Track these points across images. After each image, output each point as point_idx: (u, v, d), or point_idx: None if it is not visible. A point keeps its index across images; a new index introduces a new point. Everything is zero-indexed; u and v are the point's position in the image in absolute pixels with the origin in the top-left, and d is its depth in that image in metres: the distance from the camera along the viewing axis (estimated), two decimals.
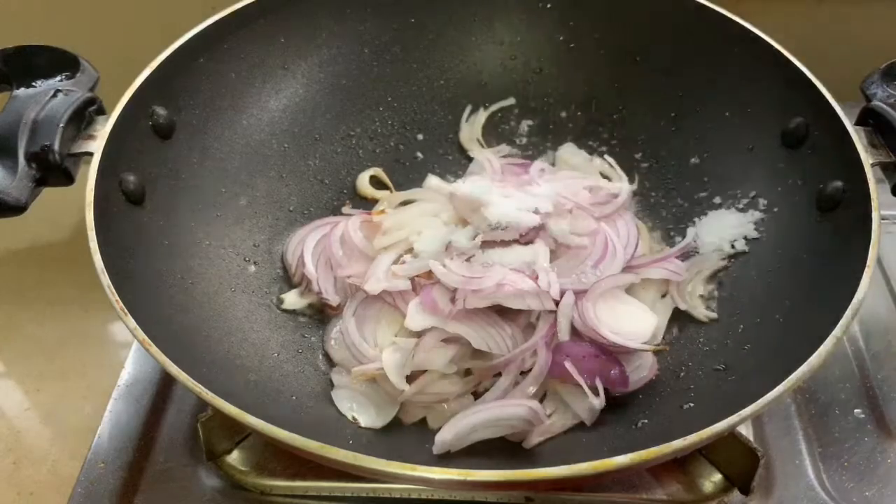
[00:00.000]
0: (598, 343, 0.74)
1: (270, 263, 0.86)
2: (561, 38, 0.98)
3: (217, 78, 0.86)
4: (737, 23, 0.85)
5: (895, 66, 0.79)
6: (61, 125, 0.71)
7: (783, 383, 0.58)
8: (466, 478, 0.54)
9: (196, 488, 0.75)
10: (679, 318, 0.81)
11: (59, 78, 0.77)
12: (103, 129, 0.73)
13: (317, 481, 0.74)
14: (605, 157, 0.95)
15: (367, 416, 0.73)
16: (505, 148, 0.99)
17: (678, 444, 0.56)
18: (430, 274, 0.77)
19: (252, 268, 0.84)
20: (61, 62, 0.78)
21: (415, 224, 0.83)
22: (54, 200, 0.74)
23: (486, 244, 0.79)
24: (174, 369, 0.59)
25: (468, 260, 0.78)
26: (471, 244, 0.78)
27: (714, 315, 0.80)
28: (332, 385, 0.76)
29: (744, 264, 0.82)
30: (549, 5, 0.97)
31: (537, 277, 0.75)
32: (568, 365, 0.72)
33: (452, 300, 0.74)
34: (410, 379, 0.73)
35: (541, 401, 0.73)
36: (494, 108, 1.00)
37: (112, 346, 0.96)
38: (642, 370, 0.75)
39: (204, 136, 0.85)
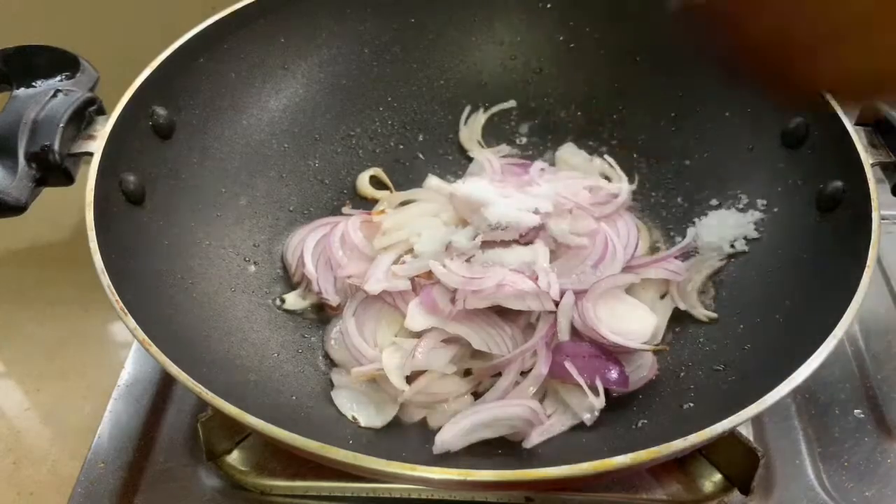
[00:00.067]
0: (598, 343, 0.74)
1: (270, 263, 0.86)
2: (561, 38, 0.98)
3: (217, 78, 0.86)
4: None
5: None
6: (61, 125, 0.71)
7: (783, 383, 0.58)
8: (466, 478, 0.54)
9: (196, 488, 0.75)
10: (679, 318, 0.81)
11: (59, 78, 0.77)
12: (103, 129, 0.73)
13: (317, 481, 0.74)
14: (605, 157, 0.95)
15: (367, 416, 0.73)
16: (505, 148, 0.99)
17: (678, 444, 0.56)
18: (430, 274, 0.77)
19: (252, 268, 0.84)
20: (61, 62, 0.78)
21: (415, 224, 0.84)
22: (54, 200, 0.74)
23: (486, 244, 0.79)
24: (174, 369, 0.59)
25: (468, 260, 0.78)
26: (471, 244, 0.78)
27: (714, 315, 0.80)
28: (332, 385, 0.76)
29: (744, 264, 0.82)
30: (549, 5, 0.97)
31: (537, 278, 0.75)
32: (568, 365, 0.72)
33: (452, 300, 0.74)
34: (410, 379, 0.73)
35: (541, 401, 0.73)
36: (494, 109, 1.00)
37: (112, 346, 0.96)
38: (642, 370, 0.75)
39: (204, 136, 0.85)
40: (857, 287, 0.63)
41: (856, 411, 0.80)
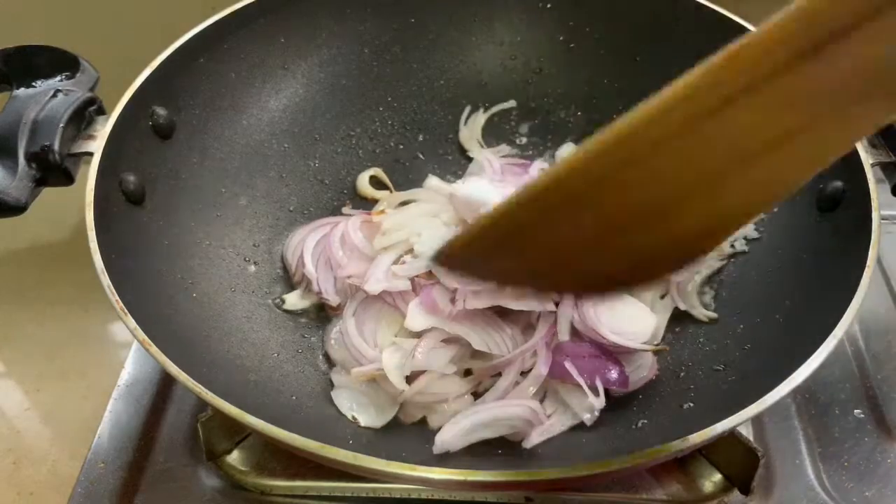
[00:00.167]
0: (598, 343, 0.74)
1: (270, 263, 0.86)
2: (561, 38, 0.98)
3: (217, 78, 0.86)
4: (737, 23, 0.85)
5: None
6: (61, 125, 0.71)
7: (783, 383, 0.58)
8: (466, 478, 0.54)
9: (196, 488, 0.75)
10: (679, 318, 0.81)
11: (59, 78, 0.77)
12: (103, 129, 0.73)
13: (317, 481, 0.74)
14: None
15: (367, 416, 0.73)
16: (505, 148, 0.99)
17: (678, 444, 0.56)
18: (430, 274, 0.77)
19: (252, 268, 0.84)
20: (61, 62, 0.78)
21: (415, 224, 0.83)
22: (54, 200, 0.74)
23: None
24: (174, 369, 0.59)
25: None
26: None
27: (714, 315, 0.80)
28: (331, 385, 0.76)
29: (744, 264, 0.82)
30: (549, 5, 0.97)
31: None
32: (568, 365, 0.72)
33: (452, 301, 0.74)
34: (410, 379, 0.73)
35: (541, 401, 0.73)
36: (495, 109, 1.00)
37: (112, 346, 0.96)
38: (642, 370, 0.75)
39: (204, 136, 0.85)
40: (857, 287, 0.63)
41: (856, 411, 0.80)
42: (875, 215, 0.68)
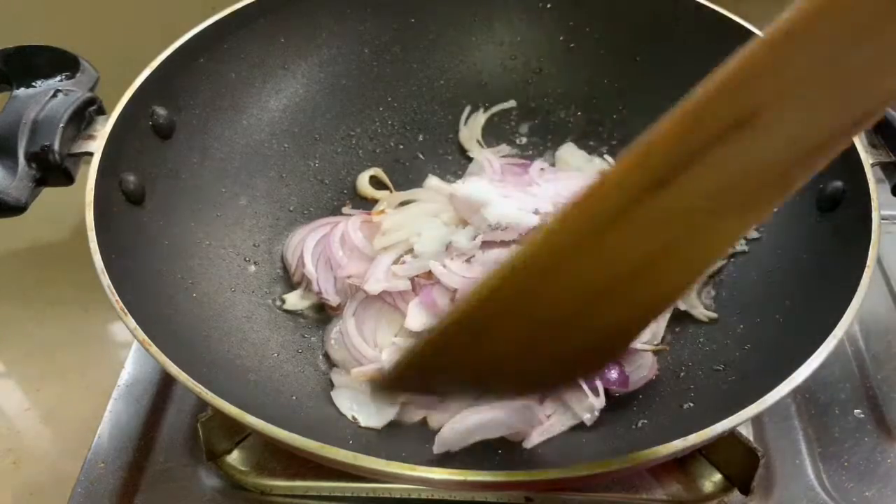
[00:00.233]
0: None
1: (270, 263, 0.86)
2: (561, 38, 0.98)
3: (217, 78, 0.86)
4: (737, 23, 0.85)
5: None
6: (61, 125, 0.71)
7: (783, 383, 0.58)
8: (466, 478, 0.54)
9: (196, 488, 0.75)
10: (679, 318, 0.81)
11: (59, 78, 0.77)
12: (103, 129, 0.73)
13: (317, 481, 0.74)
14: (605, 156, 0.95)
15: (367, 417, 0.73)
16: (505, 148, 0.99)
17: (678, 444, 0.56)
18: (430, 274, 0.77)
19: (252, 268, 0.84)
20: (61, 62, 0.78)
21: (414, 224, 0.83)
22: (54, 200, 0.74)
23: (487, 244, 0.79)
24: (174, 369, 0.59)
25: (468, 261, 0.77)
26: (471, 244, 0.78)
27: (714, 315, 0.80)
28: (331, 385, 0.76)
29: (744, 264, 0.82)
30: (549, 5, 0.97)
31: None
32: None
33: (452, 300, 0.74)
34: None
35: (541, 401, 0.73)
36: (495, 109, 1.00)
37: (112, 346, 0.96)
38: (642, 370, 0.75)
39: (204, 136, 0.85)
40: (857, 287, 0.63)
41: (856, 411, 0.80)
42: (875, 215, 0.68)
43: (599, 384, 0.72)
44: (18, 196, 0.69)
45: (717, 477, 0.74)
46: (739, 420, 0.56)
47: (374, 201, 0.94)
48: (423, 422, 0.74)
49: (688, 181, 0.37)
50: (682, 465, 0.75)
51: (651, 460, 0.56)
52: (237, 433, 0.76)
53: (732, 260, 0.83)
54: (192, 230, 0.81)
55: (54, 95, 0.74)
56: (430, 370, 0.50)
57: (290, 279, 0.85)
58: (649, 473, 0.74)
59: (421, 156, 0.98)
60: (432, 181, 0.92)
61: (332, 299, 0.81)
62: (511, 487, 0.70)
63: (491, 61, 1.00)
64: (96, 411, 0.81)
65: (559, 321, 0.45)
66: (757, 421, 0.78)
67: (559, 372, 0.53)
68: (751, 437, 0.74)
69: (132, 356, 0.85)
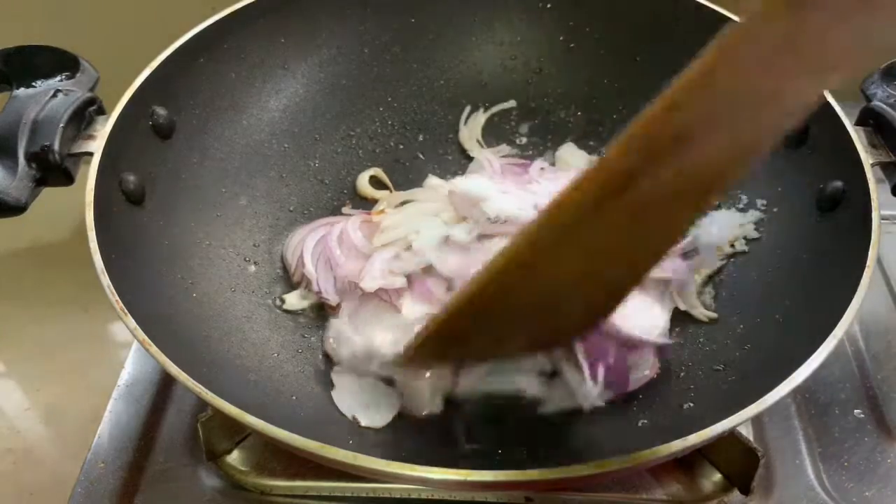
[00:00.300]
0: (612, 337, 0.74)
1: (270, 263, 0.86)
2: (561, 38, 0.98)
3: (217, 78, 0.86)
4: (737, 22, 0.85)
5: (895, 66, 0.79)
6: (61, 125, 0.71)
7: (783, 383, 0.58)
8: (466, 478, 0.54)
9: (196, 488, 0.75)
10: (679, 318, 0.81)
11: (59, 78, 0.77)
12: (103, 129, 0.73)
13: (317, 481, 0.74)
14: None
15: (367, 416, 0.73)
16: (505, 148, 0.99)
17: (678, 444, 0.56)
18: (427, 269, 0.77)
19: (252, 268, 0.84)
20: (61, 62, 0.78)
21: (413, 222, 0.83)
22: (54, 200, 0.74)
23: (486, 237, 0.79)
24: (174, 369, 0.59)
25: (465, 252, 0.77)
26: (469, 237, 0.78)
27: (714, 315, 0.80)
28: (331, 385, 0.76)
29: (744, 264, 0.82)
30: (549, 5, 0.97)
31: None
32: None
33: (448, 290, 0.74)
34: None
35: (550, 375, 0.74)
36: (495, 109, 1.00)
37: (112, 346, 0.96)
38: (644, 368, 0.75)
39: (204, 136, 0.85)
40: (857, 287, 0.63)
41: (856, 411, 0.80)
42: (875, 215, 0.68)
43: (600, 371, 0.71)
44: (18, 196, 0.69)
45: (717, 477, 0.74)
46: (739, 420, 0.56)
47: (374, 201, 0.94)
48: (424, 422, 0.74)
49: (644, 183, 0.44)
50: (682, 465, 0.75)
51: (651, 460, 0.56)
52: (237, 433, 0.76)
53: (732, 260, 0.83)
54: (192, 230, 0.81)
55: (54, 95, 0.74)
56: (445, 342, 0.57)
57: (290, 279, 0.85)
58: (649, 473, 0.74)
59: (421, 156, 0.98)
60: (432, 181, 0.92)
61: (332, 299, 0.81)
62: (511, 487, 0.70)
63: (491, 61, 1.00)
64: (96, 411, 0.81)
65: (553, 296, 0.54)
66: (757, 421, 0.78)
67: (559, 334, 0.63)
68: (751, 437, 0.74)
69: (132, 356, 0.85)
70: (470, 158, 0.98)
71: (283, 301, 0.82)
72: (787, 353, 0.63)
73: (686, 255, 0.84)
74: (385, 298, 0.78)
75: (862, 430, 0.78)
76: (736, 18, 0.84)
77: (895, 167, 0.74)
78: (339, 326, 0.79)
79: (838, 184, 0.74)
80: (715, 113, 0.42)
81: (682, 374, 0.75)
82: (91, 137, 0.74)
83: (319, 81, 0.95)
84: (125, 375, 0.84)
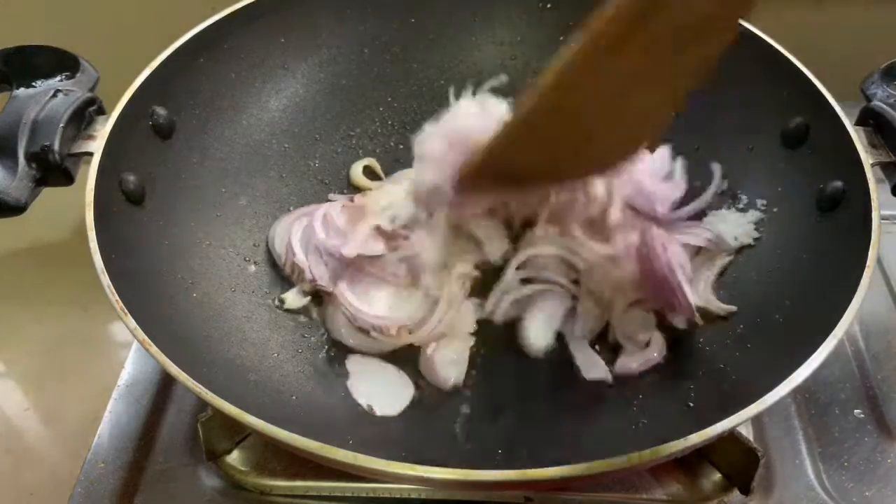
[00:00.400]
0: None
1: (270, 263, 0.86)
2: (561, 38, 0.98)
3: (217, 78, 0.86)
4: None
5: (895, 66, 0.79)
6: (61, 125, 0.71)
7: (783, 383, 0.58)
8: (466, 478, 0.54)
9: (196, 488, 0.75)
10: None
11: (59, 78, 0.77)
12: (103, 129, 0.73)
13: (317, 481, 0.74)
14: None
15: (382, 404, 0.74)
16: None
17: (678, 444, 0.56)
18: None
19: (252, 268, 0.84)
20: (61, 62, 0.78)
21: (395, 192, 0.85)
22: (54, 200, 0.74)
23: None
24: (174, 369, 0.59)
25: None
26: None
27: (733, 308, 0.78)
28: (335, 379, 0.76)
29: (744, 264, 0.82)
30: (548, 5, 0.97)
31: None
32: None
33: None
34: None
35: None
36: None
37: (112, 346, 0.96)
38: (652, 351, 0.76)
39: (204, 136, 0.85)
40: (857, 287, 0.63)
41: (856, 411, 0.80)
42: (875, 215, 0.68)
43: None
44: (18, 196, 0.69)
45: (717, 477, 0.74)
46: (739, 420, 0.56)
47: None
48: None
49: (648, 27, 0.52)
50: (682, 465, 0.75)
51: (651, 460, 0.56)
52: (237, 433, 0.76)
53: (733, 259, 0.83)
54: (192, 230, 0.81)
55: (54, 95, 0.74)
56: (496, 165, 0.63)
57: (289, 279, 0.85)
58: (649, 473, 0.74)
59: None
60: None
61: (327, 285, 0.81)
62: (511, 487, 0.70)
63: (491, 61, 1.00)
64: (96, 411, 0.81)
65: (579, 130, 0.60)
66: (757, 421, 0.78)
67: (603, 158, 0.67)
68: (751, 437, 0.74)
69: (132, 356, 0.85)
70: None
71: (283, 301, 0.82)
72: (787, 353, 0.63)
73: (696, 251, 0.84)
74: (373, 272, 0.79)
75: (862, 430, 0.78)
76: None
77: (895, 167, 0.74)
78: (343, 309, 0.79)
79: (838, 184, 0.74)
80: None
81: (682, 374, 0.75)
82: (91, 137, 0.74)
83: (319, 81, 0.95)
84: (125, 375, 0.84)
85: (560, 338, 0.79)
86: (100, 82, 0.79)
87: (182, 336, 0.69)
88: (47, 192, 0.73)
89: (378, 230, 0.82)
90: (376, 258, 0.80)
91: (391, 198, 0.85)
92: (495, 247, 0.82)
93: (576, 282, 0.80)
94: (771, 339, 0.72)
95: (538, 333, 0.78)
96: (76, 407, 0.87)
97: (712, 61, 0.57)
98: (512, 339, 0.78)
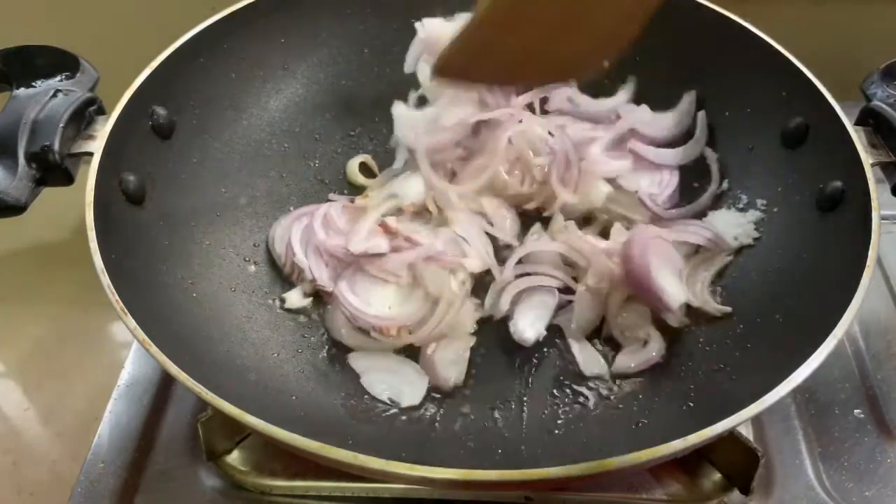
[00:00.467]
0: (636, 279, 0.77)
1: (270, 263, 0.86)
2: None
3: (217, 78, 0.86)
4: (737, 23, 0.85)
5: (895, 66, 0.79)
6: (61, 125, 0.71)
7: (783, 383, 0.58)
8: (466, 477, 0.54)
9: (196, 488, 0.75)
10: None
11: (59, 78, 0.77)
12: (103, 129, 0.73)
13: (317, 481, 0.74)
14: None
15: (401, 394, 0.74)
16: None
17: (678, 444, 0.56)
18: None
19: (252, 268, 0.84)
20: (61, 62, 0.78)
21: (395, 184, 0.87)
22: (54, 200, 0.74)
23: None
24: (174, 369, 0.59)
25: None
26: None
27: (728, 309, 0.78)
28: (334, 378, 0.76)
29: (744, 264, 0.82)
30: None
31: None
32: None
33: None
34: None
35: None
36: None
37: (112, 346, 0.96)
38: (651, 350, 0.76)
39: (204, 136, 0.85)
40: (857, 287, 0.63)
41: (856, 411, 0.80)
42: (875, 215, 0.68)
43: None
44: (18, 196, 0.69)
45: (717, 477, 0.74)
46: (739, 420, 0.56)
47: (363, 189, 0.93)
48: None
49: None
50: (682, 465, 0.75)
51: (651, 460, 0.56)
52: (237, 433, 0.76)
53: (733, 259, 0.83)
54: (192, 230, 0.81)
55: (54, 95, 0.74)
56: (472, 54, 0.62)
57: (289, 279, 0.85)
58: (649, 473, 0.74)
59: None
60: (400, 108, 0.91)
61: (327, 284, 0.81)
62: (511, 487, 0.70)
63: None
64: (96, 411, 0.81)
65: (551, 27, 0.62)
66: (757, 421, 0.78)
67: (564, 63, 0.69)
68: (751, 437, 0.74)
69: (132, 356, 0.85)
70: None
71: (283, 301, 0.82)
72: (787, 353, 0.63)
73: (695, 250, 0.84)
74: (373, 272, 0.80)
75: (862, 430, 0.78)
76: (736, 18, 0.85)
77: (895, 167, 0.74)
78: (342, 308, 0.79)
79: (838, 184, 0.74)
80: None
81: (682, 374, 0.75)
82: (91, 137, 0.74)
83: (319, 81, 0.95)
84: (125, 375, 0.84)
85: (560, 337, 0.79)
86: (100, 82, 0.79)
87: (182, 336, 0.69)
88: (47, 192, 0.73)
89: (380, 226, 0.82)
90: (377, 257, 0.80)
91: (392, 189, 0.86)
92: (507, 229, 0.86)
93: (574, 277, 0.81)
94: (771, 339, 0.72)
95: (527, 323, 0.78)
96: (76, 407, 0.87)
97: None
98: (512, 339, 0.78)
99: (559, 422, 0.73)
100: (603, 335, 0.80)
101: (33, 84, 0.76)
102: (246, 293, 0.81)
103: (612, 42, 0.68)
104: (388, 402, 0.74)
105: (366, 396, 0.75)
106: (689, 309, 0.80)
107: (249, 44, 0.89)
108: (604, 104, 0.93)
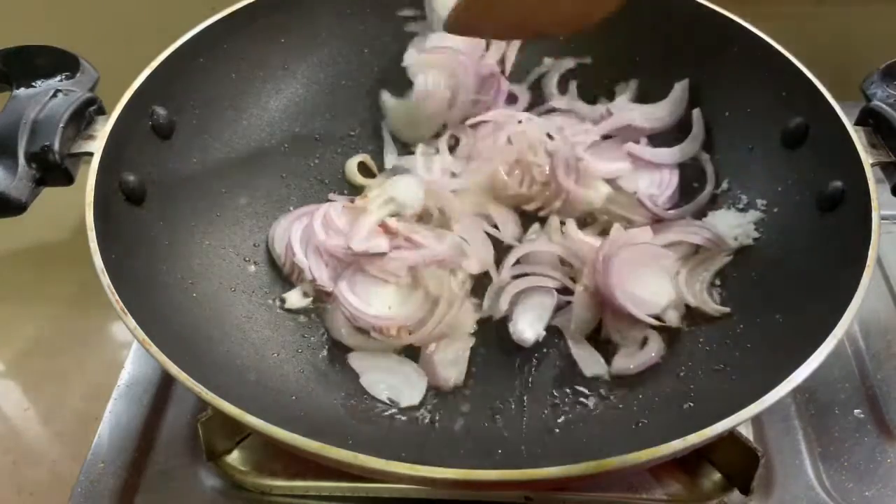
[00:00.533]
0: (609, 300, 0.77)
1: (270, 263, 0.86)
2: (561, 38, 0.98)
3: (217, 78, 0.86)
4: (737, 23, 0.85)
5: (895, 66, 0.79)
6: (61, 125, 0.71)
7: (783, 383, 0.58)
8: (466, 477, 0.54)
9: (196, 488, 0.75)
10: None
11: (59, 78, 0.77)
12: (103, 129, 0.73)
13: (317, 481, 0.74)
14: None
15: (402, 395, 0.74)
16: None
17: (678, 444, 0.56)
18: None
19: (252, 268, 0.84)
20: (61, 62, 0.78)
21: (393, 186, 0.87)
22: (54, 200, 0.74)
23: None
24: (174, 369, 0.59)
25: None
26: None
27: (726, 309, 0.79)
28: (334, 378, 0.76)
29: (744, 264, 0.82)
30: None
31: None
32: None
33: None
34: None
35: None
36: None
37: (112, 346, 0.96)
38: (649, 352, 0.76)
39: (204, 136, 0.85)
40: (857, 287, 0.63)
41: (856, 411, 0.80)
42: (875, 215, 0.68)
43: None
44: (18, 196, 0.69)
45: (717, 477, 0.74)
46: (739, 420, 0.56)
47: (362, 189, 0.93)
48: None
49: None
50: (682, 465, 0.75)
51: (651, 460, 0.56)
52: (237, 433, 0.76)
53: (732, 260, 0.83)
54: (192, 230, 0.81)
55: (54, 95, 0.74)
56: (481, 10, 0.69)
57: (289, 279, 0.85)
58: (649, 473, 0.74)
59: None
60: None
61: (327, 284, 0.81)
62: (511, 487, 0.70)
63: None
64: (96, 411, 0.81)
65: None
66: (757, 421, 0.78)
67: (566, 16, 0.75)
68: (751, 437, 0.74)
69: (132, 356, 0.85)
70: None
71: (283, 301, 0.82)
72: (787, 353, 0.63)
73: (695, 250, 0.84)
74: (373, 272, 0.80)
75: (862, 430, 0.78)
76: (736, 18, 0.85)
77: (895, 167, 0.74)
78: (342, 309, 0.79)
79: (838, 184, 0.74)
80: None
81: (682, 374, 0.75)
82: (91, 137, 0.74)
83: (319, 81, 0.96)
84: (125, 375, 0.84)
85: (560, 337, 0.79)
86: (100, 82, 0.79)
87: (182, 336, 0.69)
88: (47, 192, 0.73)
89: (381, 226, 0.82)
90: (376, 257, 0.80)
91: (391, 192, 0.86)
92: (508, 231, 0.86)
93: (572, 278, 0.81)
94: (771, 339, 0.72)
95: (527, 324, 0.78)
96: (76, 407, 0.87)
97: None
98: (511, 339, 0.78)
99: (559, 422, 0.73)
100: (602, 336, 0.80)
101: (33, 84, 0.76)
102: (246, 293, 0.81)
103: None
104: (388, 401, 0.74)
105: (365, 396, 0.75)
106: (688, 309, 0.80)
107: (249, 44, 0.89)
108: (602, 107, 0.93)
